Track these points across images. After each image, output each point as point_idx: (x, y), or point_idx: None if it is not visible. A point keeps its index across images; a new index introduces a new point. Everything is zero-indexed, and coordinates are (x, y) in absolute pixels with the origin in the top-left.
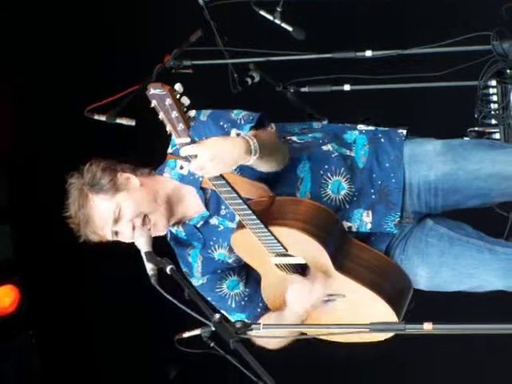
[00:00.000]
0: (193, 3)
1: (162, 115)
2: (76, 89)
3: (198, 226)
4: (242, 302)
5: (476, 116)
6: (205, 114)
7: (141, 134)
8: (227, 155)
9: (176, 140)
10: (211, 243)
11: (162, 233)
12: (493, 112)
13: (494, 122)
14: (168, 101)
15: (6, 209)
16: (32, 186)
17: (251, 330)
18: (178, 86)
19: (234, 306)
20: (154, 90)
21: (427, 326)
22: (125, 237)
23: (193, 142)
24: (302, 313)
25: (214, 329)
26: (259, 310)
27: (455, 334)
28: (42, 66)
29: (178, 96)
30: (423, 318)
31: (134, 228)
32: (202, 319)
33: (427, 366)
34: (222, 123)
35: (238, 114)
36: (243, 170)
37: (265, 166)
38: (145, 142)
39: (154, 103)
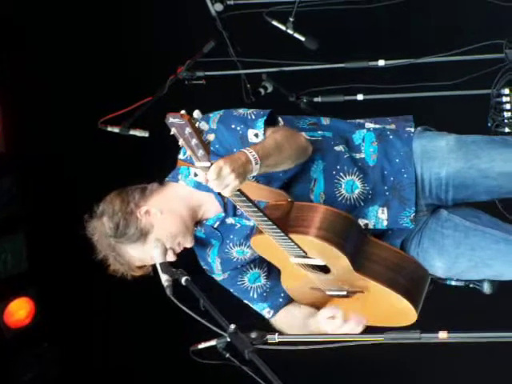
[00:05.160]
0: (205, 14)
1: (181, 142)
2: (88, 100)
3: (215, 226)
4: (264, 294)
5: (489, 125)
6: (213, 121)
7: (153, 143)
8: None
9: (196, 163)
10: (227, 241)
11: (190, 245)
12: (506, 120)
13: (507, 130)
14: (187, 130)
15: (20, 218)
16: (45, 195)
17: (267, 340)
18: (197, 113)
19: (255, 296)
20: (174, 119)
21: (442, 335)
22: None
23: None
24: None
25: (229, 339)
26: (281, 300)
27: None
28: (55, 75)
29: (196, 124)
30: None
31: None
32: (218, 330)
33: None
34: (233, 126)
35: (246, 110)
36: (259, 176)
37: (280, 167)
38: (156, 149)
39: (173, 131)
